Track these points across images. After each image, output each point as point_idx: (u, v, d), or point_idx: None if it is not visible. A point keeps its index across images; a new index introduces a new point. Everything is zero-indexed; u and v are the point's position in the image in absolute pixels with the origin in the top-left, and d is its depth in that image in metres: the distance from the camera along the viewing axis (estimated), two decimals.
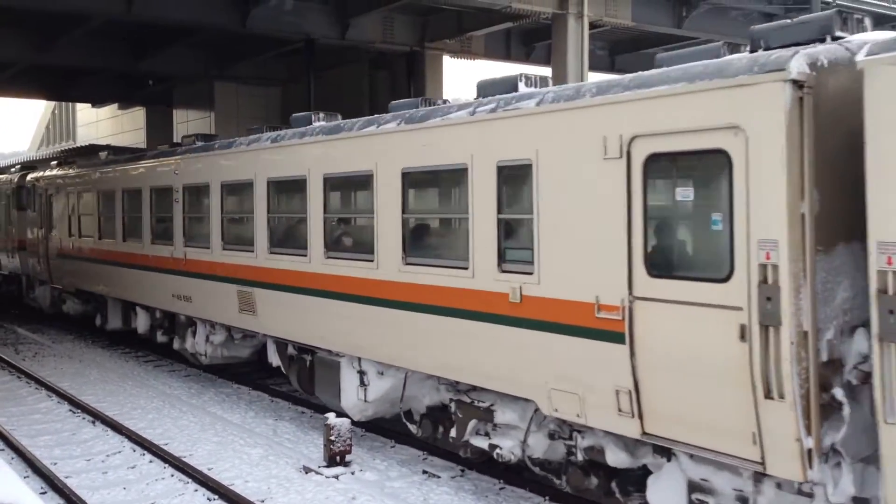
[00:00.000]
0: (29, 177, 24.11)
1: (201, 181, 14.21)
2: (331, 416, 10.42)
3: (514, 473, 9.71)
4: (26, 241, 23.98)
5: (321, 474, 9.99)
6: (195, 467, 10.21)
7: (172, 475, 10.22)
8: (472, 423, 9.08)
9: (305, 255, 11.28)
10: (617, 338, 7.09)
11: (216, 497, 9.35)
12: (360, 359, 10.53)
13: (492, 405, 8.82)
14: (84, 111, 42.27)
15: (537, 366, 7.92)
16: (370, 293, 10.07)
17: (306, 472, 10.13)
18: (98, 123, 40.30)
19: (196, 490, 9.66)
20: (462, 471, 10.12)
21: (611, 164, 7.11)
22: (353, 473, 10.00)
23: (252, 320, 12.81)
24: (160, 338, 16.50)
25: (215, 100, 29.13)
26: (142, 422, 12.74)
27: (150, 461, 10.81)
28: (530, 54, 26.90)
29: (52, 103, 48.35)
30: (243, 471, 10.31)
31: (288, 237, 12.15)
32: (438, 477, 9.92)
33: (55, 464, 10.66)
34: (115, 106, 36.97)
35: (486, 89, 9.08)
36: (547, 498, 9.08)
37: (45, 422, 13.01)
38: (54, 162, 24.25)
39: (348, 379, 10.69)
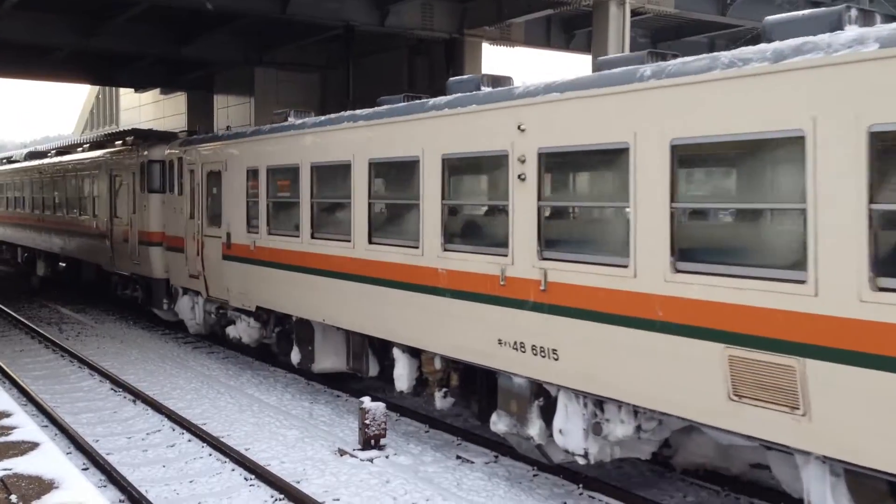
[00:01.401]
0: (169, 150, 17.97)
1: (607, 141, 7.58)
2: (366, 399, 10.50)
3: (547, 461, 9.72)
4: (164, 236, 18.13)
5: (356, 457, 10.09)
6: (233, 447, 10.37)
7: (210, 454, 10.39)
8: None
9: None
10: None
11: (253, 477, 9.49)
12: None
13: None
14: (127, 96, 42.86)
15: None
16: None
17: (341, 455, 10.23)
18: (140, 108, 40.86)
19: (233, 470, 9.81)
20: (496, 457, 10.15)
21: None
22: (387, 457, 10.08)
23: (783, 424, 6.24)
24: (440, 402, 10.28)
25: (255, 86, 29.36)
26: (181, 402, 12.96)
27: (189, 440, 11.00)
28: (570, 42, 26.71)
29: (96, 88, 49.11)
30: (279, 452, 10.45)
31: None
32: (472, 462, 9.96)
33: (97, 441, 10.90)
34: (157, 91, 37.45)
35: None
36: (580, 486, 9.07)
37: (88, 400, 13.30)
38: (179, 133, 19.21)
39: None
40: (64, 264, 26.62)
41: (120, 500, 8.84)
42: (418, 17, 23.25)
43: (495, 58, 72.14)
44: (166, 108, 37.91)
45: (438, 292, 9.59)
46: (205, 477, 9.65)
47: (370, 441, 10.29)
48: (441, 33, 23.85)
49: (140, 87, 36.66)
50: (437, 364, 10.10)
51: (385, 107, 10.87)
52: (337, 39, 24.37)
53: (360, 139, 11.11)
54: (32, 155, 32.45)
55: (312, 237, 12.26)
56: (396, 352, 10.77)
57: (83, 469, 9.56)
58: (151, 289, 18.95)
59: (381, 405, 10.46)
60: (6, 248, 34.74)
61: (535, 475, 9.55)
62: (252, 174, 14.09)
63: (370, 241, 10.84)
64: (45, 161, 28.37)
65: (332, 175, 11.98)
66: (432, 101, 9.88)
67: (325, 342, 12.64)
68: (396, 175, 10.65)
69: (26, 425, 7.48)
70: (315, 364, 12.76)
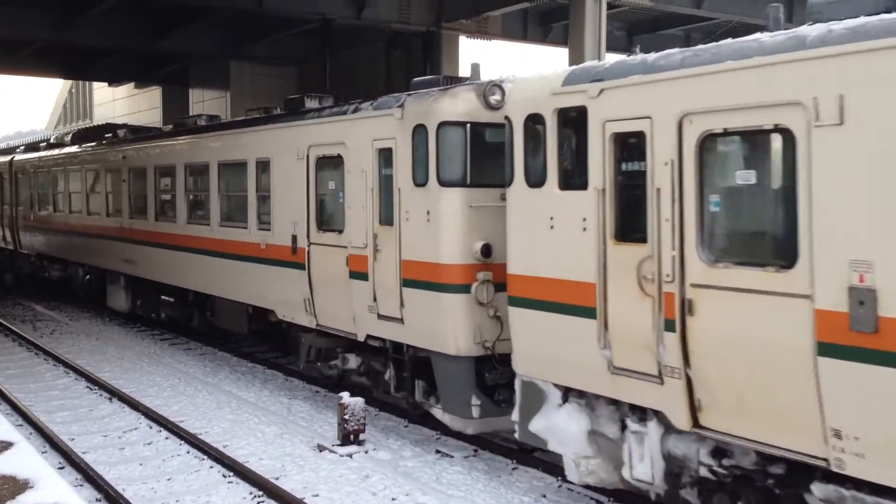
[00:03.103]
0: (519, 95, 8.22)
1: None
2: (345, 395, 10.48)
3: (526, 454, 9.74)
4: (472, 271, 9.31)
5: (335, 453, 10.07)
6: (210, 444, 10.31)
7: (188, 452, 10.32)
8: None
9: None
10: None
11: (231, 474, 9.44)
12: None
13: None
14: (101, 90, 42.43)
15: None
16: None
17: (320, 451, 10.21)
18: (115, 103, 40.45)
19: (211, 467, 9.76)
20: (475, 450, 10.16)
21: None
22: (366, 452, 10.07)
23: None
24: None
25: (231, 80, 29.18)
26: (158, 399, 12.86)
27: (167, 438, 10.92)
28: (547, 35, 26.80)
29: (70, 82, 48.61)
30: (258, 448, 10.40)
31: None
32: (451, 457, 9.97)
33: (73, 440, 10.79)
34: (131, 85, 37.14)
35: None
36: (559, 478, 9.10)
37: (63, 398, 13.16)
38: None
39: None
40: (170, 299, 17.05)
41: (97, 499, 8.76)
42: (395, 10, 23.20)
43: (472, 51, 72.15)
44: (141, 102, 37.58)
45: None
46: (183, 475, 9.59)
47: (349, 436, 10.27)
48: (418, 26, 23.81)
49: (114, 81, 36.36)
50: None
51: None
52: (314, 33, 24.27)
53: None
54: (84, 136, 23.32)
55: None
56: None
57: (59, 468, 9.46)
58: (436, 374, 9.78)
59: (360, 400, 10.44)
60: (54, 267, 24.01)
61: (514, 468, 9.57)
62: None
63: None
64: (137, 144, 18.55)
65: None
66: None
67: None
68: None
69: (0, 424, 7.39)
70: None
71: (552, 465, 9.33)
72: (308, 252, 11.66)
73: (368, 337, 10.64)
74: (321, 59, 23.96)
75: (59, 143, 24.97)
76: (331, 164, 11.31)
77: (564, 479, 9.02)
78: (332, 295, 11.15)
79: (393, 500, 8.67)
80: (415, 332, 9.82)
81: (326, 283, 11.30)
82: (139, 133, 19.99)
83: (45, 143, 26.72)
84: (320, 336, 11.82)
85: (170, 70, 31.35)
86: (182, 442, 10.65)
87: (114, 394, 13.02)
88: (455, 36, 24.87)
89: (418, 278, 9.64)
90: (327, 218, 11.52)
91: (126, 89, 38.18)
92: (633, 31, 28.03)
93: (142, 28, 25.27)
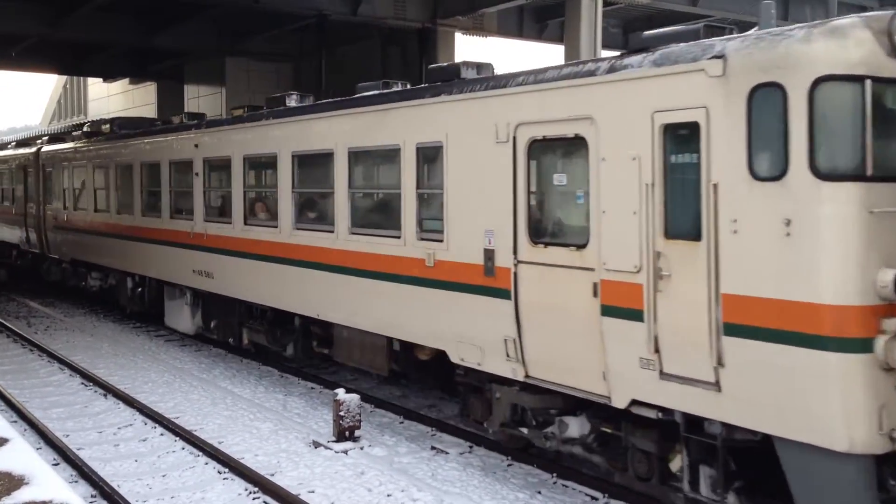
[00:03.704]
0: None
1: None
2: (340, 391, 10.49)
3: (522, 451, 9.75)
4: None
5: (330, 449, 10.08)
6: (206, 440, 10.31)
7: (183, 448, 10.32)
8: None
9: None
10: None
11: (227, 470, 9.44)
12: None
13: None
14: (95, 86, 42.35)
15: None
16: None
17: (315, 447, 10.21)
18: (109, 98, 40.38)
19: (206, 463, 9.76)
20: (470, 447, 10.17)
21: None
22: (361, 448, 10.08)
23: None
24: None
25: (227, 75, 29.13)
26: (153, 395, 12.85)
27: (162, 434, 10.92)
28: (543, 32, 26.82)
29: (64, 78, 48.48)
30: (253, 445, 10.41)
31: None
32: (447, 453, 9.98)
33: (67, 436, 10.78)
34: (126, 81, 37.07)
35: None
36: (555, 475, 9.12)
37: (58, 394, 13.14)
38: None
39: None
40: (260, 324, 13.87)
41: (92, 496, 8.76)
42: (391, 6, 23.18)
43: (469, 47, 72.21)
44: (136, 98, 37.51)
45: None
46: (178, 471, 9.59)
47: (344, 433, 10.28)
48: (414, 23, 23.79)
49: (109, 76, 36.28)
50: None
51: None
52: (310, 29, 24.23)
53: None
54: (127, 124, 19.96)
55: None
56: None
57: (54, 464, 9.46)
58: (793, 477, 6.30)
59: (355, 397, 10.45)
60: (93, 275, 20.61)
61: (509, 465, 9.58)
62: None
63: None
64: (218, 128, 14.78)
65: None
66: None
67: None
68: None
69: None
70: None
71: (547, 462, 9.35)
72: (515, 274, 8.34)
73: (634, 403, 7.34)
74: (317, 55, 23.93)
75: (96, 132, 20.84)
76: (559, 148, 8.16)
77: (560, 476, 9.06)
78: (561, 336, 7.93)
79: (388, 496, 8.69)
80: (747, 407, 6.42)
81: (549, 320, 8.04)
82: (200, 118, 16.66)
83: (79, 132, 22.67)
84: (528, 392, 8.54)
85: (165, 66, 31.30)
86: (177, 438, 10.65)
87: (108, 390, 13.00)
88: (451, 32, 24.85)
89: (762, 324, 6.28)
90: (552, 227, 8.32)
91: (121, 85, 38.11)
92: (628, 29, 28.07)
93: (136, 24, 25.22)
